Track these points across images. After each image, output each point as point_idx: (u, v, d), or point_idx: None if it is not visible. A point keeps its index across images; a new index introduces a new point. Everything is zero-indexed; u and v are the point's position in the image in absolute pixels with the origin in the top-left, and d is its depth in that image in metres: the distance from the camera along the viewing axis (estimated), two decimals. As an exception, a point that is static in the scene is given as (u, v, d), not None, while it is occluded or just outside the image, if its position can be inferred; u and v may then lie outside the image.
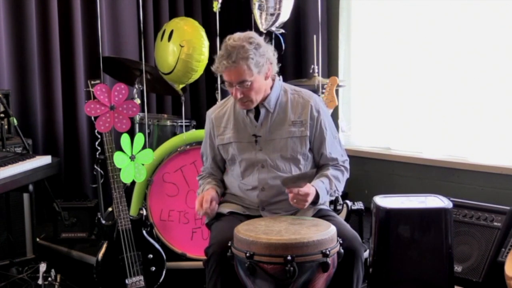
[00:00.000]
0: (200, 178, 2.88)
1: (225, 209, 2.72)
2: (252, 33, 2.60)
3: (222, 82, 2.66)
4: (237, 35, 2.58)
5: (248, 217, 2.65)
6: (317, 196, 2.56)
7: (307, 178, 2.55)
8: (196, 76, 3.66)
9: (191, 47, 3.52)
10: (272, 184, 2.65)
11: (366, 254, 2.80)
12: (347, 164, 2.76)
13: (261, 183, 2.65)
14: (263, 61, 2.56)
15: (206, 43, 3.60)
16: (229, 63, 2.50)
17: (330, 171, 2.67)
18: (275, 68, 2.67)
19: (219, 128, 2.74)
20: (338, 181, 2.67)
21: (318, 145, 2.69)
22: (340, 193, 2.79)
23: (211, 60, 3.61)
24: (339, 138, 2.79)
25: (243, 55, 2.49)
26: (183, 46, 3.51)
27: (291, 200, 2.51)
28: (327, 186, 2.61)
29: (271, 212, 2.66)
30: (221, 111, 2.78)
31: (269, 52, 2.61)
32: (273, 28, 3.73)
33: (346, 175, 2.75)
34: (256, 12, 3.67)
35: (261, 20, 3.66)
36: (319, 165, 2.74)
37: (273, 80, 2.69)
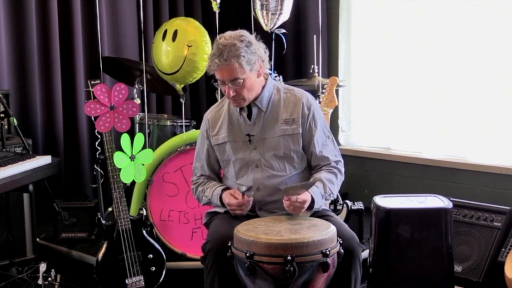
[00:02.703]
0: (198, 184, 2.83)
1: (222, 208, 2.73)
2: (243, 32, 2.62)
3: (215, 81, 2.67)
4: (228, 33, 2.60)
5: (246, 216, 2.65)
6: (312, 201, 2.55)
7: (307, 187, 2.54)
8: (199, 75, 3.67)
9: (197, 46, 3.54)
10: (266, 184, 2.65)
11: (364, 254, 2.79)
12: (340, 166, 2.73)
13: (256, 183, 2.66)
14: (255, 59, 2.57)
15: (209, 42, 3.61)
16: (221, 61, 2.51)
17: (323, 175, 2.65)
18: (267, 66, 2.69)
19: (214, 129, 2.76)
20: (332, 184, 2.66)
21: (307, 143, 2.69)
22: (335, 196, 2.78)
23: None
24: (332, 138, 2.77)
25: (234, 53, 2.51)
26: (191, 46, 3.52)
27: (287, 207, 2.52)
28: (322, 191, 2.60)
29: (268, 212, 2.67)
30: (218, 112, 2.79)
31: (260, 50, 2.62)
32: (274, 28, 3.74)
33: (341, 177, 2.72)
34: (258, 12, 3.67)
35: (265, 21, 3.66)
36: (311, 165, 2.73)
37: (266, 79, 2.71)
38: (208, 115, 2.82)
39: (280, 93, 2.72)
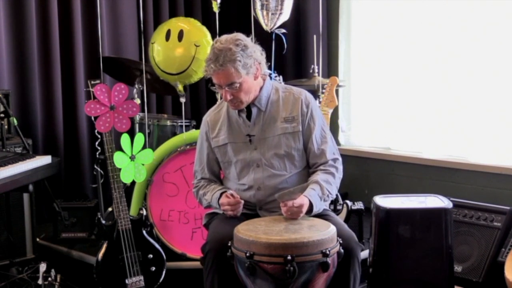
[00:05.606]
0: (199, 188, 2.84)
1: (221, 210, 2.72)
2: (239, 35, 2.62)
3: (212, 85, 2.67)
4: (224, 37, 2.60)
5: (246, 216, 2.65)
6: (310, 205, 2.55)
7: (301, 190, 2.54)
8: (203, 74, 3.69)
9: (202, 46, 3.56)
10: (267, 183, 2.66)
11: (364, 254, 2.80)
12: (338, 164, 2.72)
13: (257, 182, 2.66)
14: (251, 62, 2.58)
15: (211, 42, 3.62)
16: (217, 67, 2.53)
17: (320, 176, 2.65)
18: (264, 67, 2.69)
19: (214, 131, 2.77)
20: (330, 184, 2.65)
21: (306, 140, 2.70)
22: (334, 196, 2.78)
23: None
24: (331, 135, 2.77)
25: (230, 57, 2.52)
26: (199, 45, 3.53)
27: (285, 213, 2.51)
28: (319, 193, 2.60)
29: (269, 211, 2.67)
30: (217, 114, 2.80)
31: (257, 52, 2.63)
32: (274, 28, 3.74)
33: (338, 175, 2.71)
34: (258, 12, 3.67)
35: (265, 21, 3.66)
36: (309, 163, 2.73)
37: (264, 80, 2.71)
38: (207, 117, 2.82)
39: (279, 92, 2.73)
